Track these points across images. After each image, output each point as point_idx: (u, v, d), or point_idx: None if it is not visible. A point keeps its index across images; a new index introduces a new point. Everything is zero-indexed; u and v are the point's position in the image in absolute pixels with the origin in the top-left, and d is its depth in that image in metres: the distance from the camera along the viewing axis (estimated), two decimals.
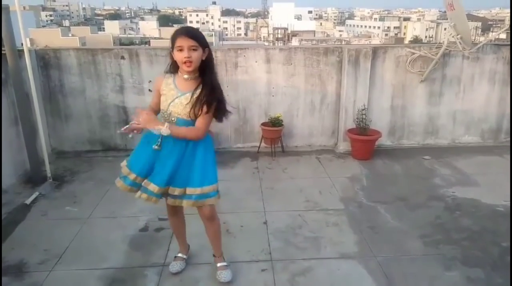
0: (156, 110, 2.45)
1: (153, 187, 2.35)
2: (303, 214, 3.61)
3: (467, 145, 5.38)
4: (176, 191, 2.38)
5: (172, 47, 2.24)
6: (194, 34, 2.21)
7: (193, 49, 2.19)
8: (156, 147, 2.32)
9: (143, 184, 2.38)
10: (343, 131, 5.09)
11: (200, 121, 2.29)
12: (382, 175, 4.50)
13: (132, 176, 2.42)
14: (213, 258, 2.77)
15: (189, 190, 2.37)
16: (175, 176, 2.36)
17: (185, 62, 2.20)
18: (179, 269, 2.80)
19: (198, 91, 2.27)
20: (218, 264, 2.73)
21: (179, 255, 2.87)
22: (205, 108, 2.26)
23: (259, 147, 5.13)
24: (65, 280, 2.76)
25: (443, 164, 4.74)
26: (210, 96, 2.26)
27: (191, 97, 2.27)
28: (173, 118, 2.32)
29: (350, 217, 3.57)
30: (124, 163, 2.50)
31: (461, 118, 5.33)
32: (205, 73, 2.30)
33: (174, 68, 2.35)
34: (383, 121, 5.23)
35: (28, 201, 3.81)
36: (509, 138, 5.37)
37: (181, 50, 2.19)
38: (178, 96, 2.29)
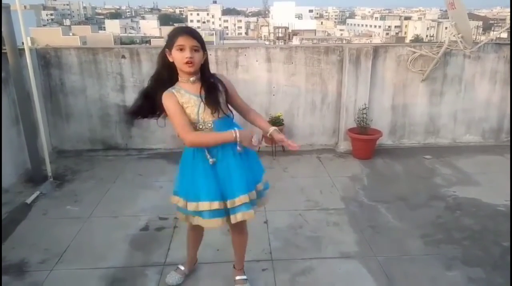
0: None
1: (242, 199, 2.17)
2: (303, 213, 3.60)
3: (468, 144, 5.38)
4: (252, 194, 2.23)
5: (169, 47, 2.07)
6: (197, 35, 2.07)
7: (195, 50, 2.05)
8: (212, 161, 2.16)
9: (229, 205, 2.18)
10: (343, 130, 5.08)
11: (243, 103, 2.28)
12: (383, 175, 4.50)
13: (215, 205, 2.17)
14: (232, 269, 2.64)
15: (258, 186, 2.32)
16: (248, 176, 2.23)
17: (186, 63, 2.03)
18: (176, 283, 2.65)
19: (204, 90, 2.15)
20: (237, 278, 2.59)
21: (181, 268, 2.70)
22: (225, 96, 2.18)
23: (259, 147, 5.13)
24: (66, 279, 2.76)
25: (444, 164, 4.74)
26: (216, 88, 2.17)
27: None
28: (209, 124, 2.15)
29: (351, 216, 3.56)
30: (178, 199, 2.30)
31: (462, 118, 5.33)
32: (204, 74, 2.18)
33: (166, 75, 2.15)
34: (384, 121, 5.22)
35: (29, 200, 3.81)
36: (509, 138, 5.36)
37: (182, 49, 2.03)
38: (201, 101, 2.13)
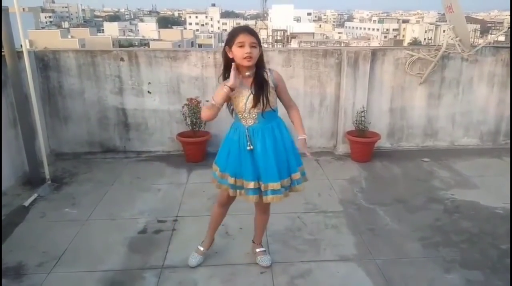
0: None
1: (273, 186, 2.47)
2: (302, 216, 3.60)
3: (466, 147, 5.39)
4: (285, 182, 2.52)
5: (230, 44, 2.33)
6: (254, 32, 2.35)
7: (253, 46, 2.31)
8: (249, 148, 2.45)
9: (262, 188, 2.50)
10: (342, 133, 5.09)
11: (289, 99, 2.59)
12: (381, 177, 4.50)
13: (232, 180, 2.53)
14: (252, 244, 2.98)
15: (294, 176, 2.57)
16: (282, 167, 2.49)
17: (245, 57, 2.30)
18: (199, 263, 2.87)
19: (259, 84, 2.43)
20: (257, 250, 2.93)
21: (201, 248, 2.91)
22: (277, 90, 2.49)
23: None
24: (64, 282, 2.75)
25: (442, 166, 4.75)
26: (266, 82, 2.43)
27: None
28: (254, 115, 2.44)
29: (349, 219, 3.56)
30: (216, 167, 2.64)
31: (460, 121, 5.34)
32: (259, 68, 2.45)
33: (228, 70, 2.40)
34: (382, 124, 5.23)
35: (26, 203, 3.80)
36: (507, 140, 5.38)
37: (242, 46, 2.29)
38: (251, 93, 2.40)
